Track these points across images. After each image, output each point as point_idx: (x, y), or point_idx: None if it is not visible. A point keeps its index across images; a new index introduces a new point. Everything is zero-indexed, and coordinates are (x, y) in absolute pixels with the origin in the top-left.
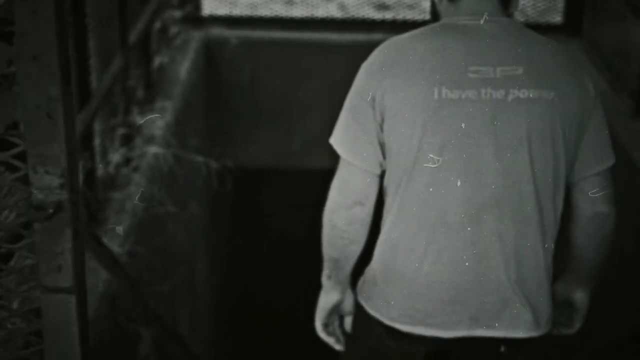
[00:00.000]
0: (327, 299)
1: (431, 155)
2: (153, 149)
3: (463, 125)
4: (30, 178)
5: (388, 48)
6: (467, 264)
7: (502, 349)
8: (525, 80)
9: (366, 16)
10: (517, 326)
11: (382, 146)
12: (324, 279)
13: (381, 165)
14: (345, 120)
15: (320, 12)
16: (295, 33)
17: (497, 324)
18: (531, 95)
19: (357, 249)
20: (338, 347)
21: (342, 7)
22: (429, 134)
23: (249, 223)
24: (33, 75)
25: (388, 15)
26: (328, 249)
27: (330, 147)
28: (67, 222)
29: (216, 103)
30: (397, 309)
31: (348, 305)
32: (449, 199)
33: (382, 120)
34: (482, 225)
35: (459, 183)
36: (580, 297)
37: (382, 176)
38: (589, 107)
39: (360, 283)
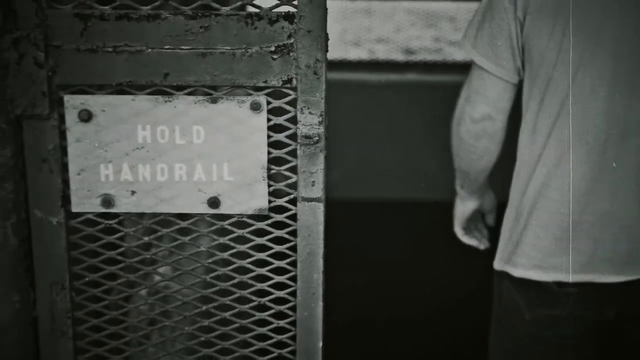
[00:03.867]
0: (463, 207)
1: (576, 60)
2: None
3: (615, 24)
4: (298, 117)
5: None
6: (608, 193)
7: None
8: None
9: (396, 59)
10: None
11: (521, 51)
12: (458, 188)
13: (519, 74)
14: (482, 18)
15: (352, 55)
16: (333, 73)
17: None
18: None
19: (487, 165)
20: (482, 246)
21: (371, 52)
22: (573, 35)
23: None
24: (306, 45)
25: (414, 59)
26: (456, 160)
27: (365, 179)
28: (321, 149)
29: None
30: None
31: (489, 203)
32: (592, 114)
33: (524, 17)
34: (628, 148)
35: (603, 96)
36: None
37: (519, 87)
38: None
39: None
